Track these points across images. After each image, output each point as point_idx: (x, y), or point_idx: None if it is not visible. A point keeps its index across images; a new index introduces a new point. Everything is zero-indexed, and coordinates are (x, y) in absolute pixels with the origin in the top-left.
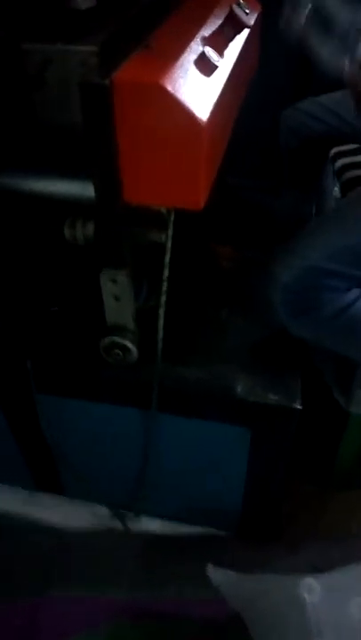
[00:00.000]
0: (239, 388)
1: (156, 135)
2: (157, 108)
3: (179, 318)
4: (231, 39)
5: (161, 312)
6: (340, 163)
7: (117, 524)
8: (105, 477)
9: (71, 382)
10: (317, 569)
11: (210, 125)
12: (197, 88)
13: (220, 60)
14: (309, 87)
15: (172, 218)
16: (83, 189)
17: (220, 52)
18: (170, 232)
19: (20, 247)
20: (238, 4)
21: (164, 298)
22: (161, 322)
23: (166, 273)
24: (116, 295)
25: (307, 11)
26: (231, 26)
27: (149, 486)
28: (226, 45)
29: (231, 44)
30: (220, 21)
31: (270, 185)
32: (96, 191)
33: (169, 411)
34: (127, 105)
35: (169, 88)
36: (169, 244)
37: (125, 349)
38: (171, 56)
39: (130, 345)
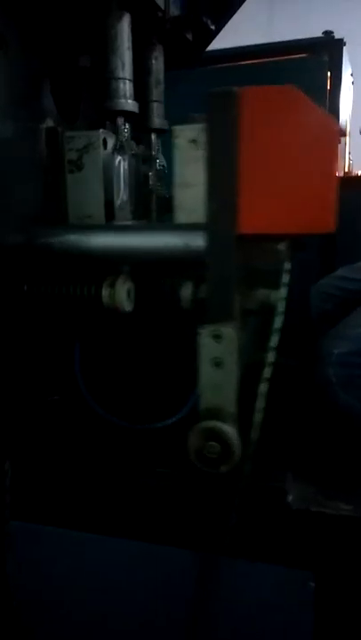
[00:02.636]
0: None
1: (284, 143)
2: (290, 110)
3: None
4: None
5: (261, 392)
6: None
7: None
8: None
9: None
10: None
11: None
12: None
13: None
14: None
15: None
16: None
17: None
18: (285, 283)
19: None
20: None
21: (267, 373)
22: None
23: (276, 340)
24: (218, 359)
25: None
26: None
27: None
28: None
29: None
30: None
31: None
32: (212, 222)
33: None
34: (255, 111)
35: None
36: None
37: (226, 442)
38: None
39: (232, 435)
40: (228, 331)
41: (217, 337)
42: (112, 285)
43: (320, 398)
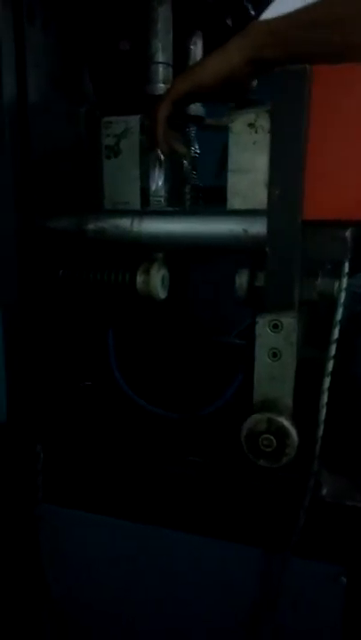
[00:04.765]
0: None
1: (356, 123)
2: None
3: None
4: None
5: (325, 388)
6: None
7: None
8: None
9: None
10: None
11: None
12: None
13: None
14: None
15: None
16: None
17: None
18: (345, 274)
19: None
20: None
21: (329, 368)
22: (324, 399)
23: (336, 333)
24: (276, 349)
25: None
26: None
27: None
28: None
29: None
30: None
31: None
32: (274, 207)
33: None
34: (328, 91)
35: None
36: (342, 296)
37: (283, 434)
38: None
39: (290, 427)
40: (289, 320)
41: (275, 327)
42: (147, 272)
43: (353, 394)
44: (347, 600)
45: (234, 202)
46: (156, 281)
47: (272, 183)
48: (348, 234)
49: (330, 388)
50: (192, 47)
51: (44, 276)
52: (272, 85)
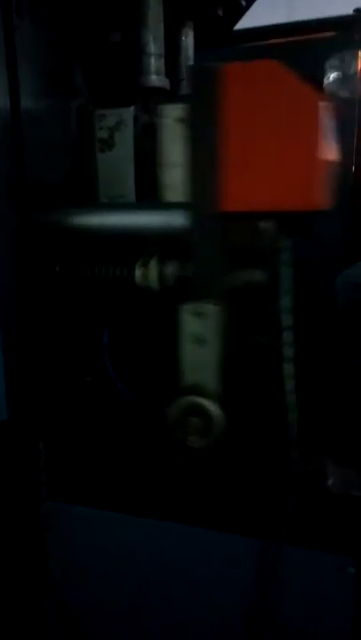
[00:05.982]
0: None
1: (267, 119)
2: (272, 85)
3: None
4: None
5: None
6: None
7: None
8: None
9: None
10: None
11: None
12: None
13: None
14: None
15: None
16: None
17: None
18: (286, 262)
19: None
20: None
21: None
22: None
23: (289, 320)
24: (200, 336)
25: None
26: None
27: None
28: None
29: None
30: None
31: None
32: (194, 200)
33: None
34: (238, 86)
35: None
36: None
37: (206, 416)
38: None
39: (213, 410)
40: (211, 308)
41: (199, 314)
42: (145, 265)
43: (354, 383)
44: (356, 590)
45: (167, 195)
46: (155, 274)
47: (191, 178)
48: (268, 225)
49: (333, 378)
50: (183, 38)
51: (41, 272)
52: (187, 82)
